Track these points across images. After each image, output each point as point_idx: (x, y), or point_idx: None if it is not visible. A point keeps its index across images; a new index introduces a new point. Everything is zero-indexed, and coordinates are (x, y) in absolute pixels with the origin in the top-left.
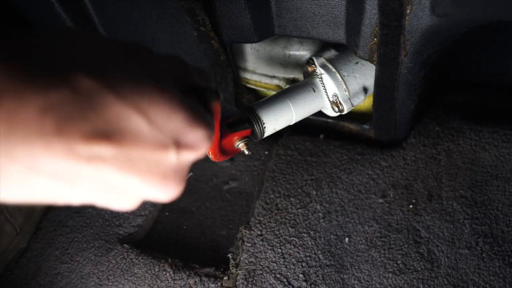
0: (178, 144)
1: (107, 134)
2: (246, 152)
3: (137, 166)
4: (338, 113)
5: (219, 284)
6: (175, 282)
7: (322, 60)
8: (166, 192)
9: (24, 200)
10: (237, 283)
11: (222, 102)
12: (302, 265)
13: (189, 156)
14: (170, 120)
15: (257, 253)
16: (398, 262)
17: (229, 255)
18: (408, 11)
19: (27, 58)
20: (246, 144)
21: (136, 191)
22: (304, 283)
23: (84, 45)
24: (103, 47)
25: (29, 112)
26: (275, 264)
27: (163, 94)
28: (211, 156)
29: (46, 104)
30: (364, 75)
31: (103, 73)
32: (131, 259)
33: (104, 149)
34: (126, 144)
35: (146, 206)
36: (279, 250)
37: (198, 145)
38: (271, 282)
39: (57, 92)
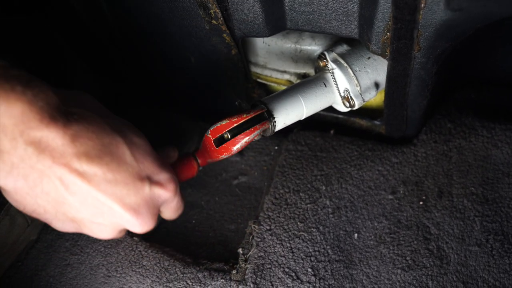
0: (151, 180)
1: (99, 156)
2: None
3: (119, 189)
4: (349, 109)
5: (228, 277)
6: (184, 275)
7: (333, 55)
8: (139, 222)
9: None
10: (246, 276)
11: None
12: (310, 260)
13: (160, 192)
14: (146, 159)
15: (266, 247)
16: (407, 258)
17: (239, 250)
18: (422, 5)
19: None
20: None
21: (114, 217)
22: (312, 278)
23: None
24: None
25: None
26: (283, 258)
27: (142, 139)
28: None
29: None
30: (376, 70)
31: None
32: (139, 251)
33: (94, 167)
34: (113, 165)
35: None
36: (288, 245)
37: (165, 184)
38: (279, 276)
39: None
